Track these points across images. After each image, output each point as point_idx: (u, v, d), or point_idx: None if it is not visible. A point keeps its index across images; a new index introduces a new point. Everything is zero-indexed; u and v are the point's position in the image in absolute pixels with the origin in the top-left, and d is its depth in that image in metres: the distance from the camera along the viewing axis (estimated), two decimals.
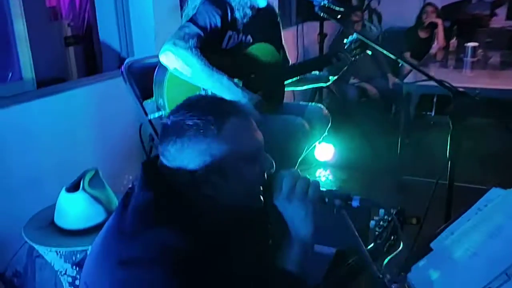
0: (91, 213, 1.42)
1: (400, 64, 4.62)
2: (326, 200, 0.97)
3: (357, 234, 0.83)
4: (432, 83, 3.29)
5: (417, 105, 4.69)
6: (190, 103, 0.95)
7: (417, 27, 4.71)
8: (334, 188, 1.02)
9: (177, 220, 0.88)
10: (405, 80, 3.36)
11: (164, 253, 0.83)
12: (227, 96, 1.72)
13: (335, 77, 2.05)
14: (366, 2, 5.31)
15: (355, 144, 3.84)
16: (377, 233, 1.14)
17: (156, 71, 1.80)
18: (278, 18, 2.10)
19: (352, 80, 4.24)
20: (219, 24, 1.74)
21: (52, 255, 1.39)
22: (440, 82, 1.66)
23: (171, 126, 0.93)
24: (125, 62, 2.00)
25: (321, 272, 1.90)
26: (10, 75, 2.09)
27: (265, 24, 1.99)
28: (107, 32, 2.58)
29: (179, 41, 1.65)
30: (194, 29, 1.69)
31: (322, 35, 3.81)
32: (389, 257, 0.93)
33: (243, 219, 1.01)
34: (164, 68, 1.74)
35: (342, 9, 1.74)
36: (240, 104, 0.98)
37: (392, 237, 1.23)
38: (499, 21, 5.38)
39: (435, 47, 4.44)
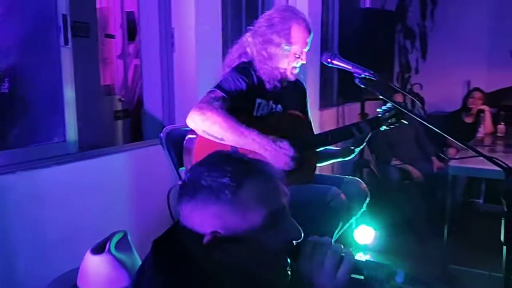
0: (114, 277, 1.36)
1: (444, 148, 4.53)
2: (365, 273, 0.87)
3: None
4: (480, 166, 3.17)
5: (464, 191, 4.51)
6: (209, 160, 0.89)
7: (461, 111, 4.66)
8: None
9: None
10: (451, 163, 3.24)
11: None
12: (261, 151, 1.69)
13: (359, 149, 2.00)
14: (408, 87, 5.35)
15: (397, 228, 3.65)
16: None
17: (186, 139, 1.81)
18: (307, 93, 2.12)
19: (393, 162, 4.13)
20: (244, 88, 1.76)
21: None
22: (490, 158, 1.56)
23: (187, 184, 0.87)
24: (164, 129, 2.03)
25: None
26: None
27: (295, 96, 2.01)
28: (152, 101, 2.68)
29: (205, 104, 1.67)
30: (219, 93, 1.71)
31: (363, 115, 3.83)
32: None
33: None
34: (193, 136, 1.75)
35: (378, 79, 1.72)
36: (265, 163, 0.90)
37: None
38: None
39: (481, 132, 4.33)
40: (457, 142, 1.71)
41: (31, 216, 1.76)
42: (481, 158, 1.95)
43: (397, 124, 2.05)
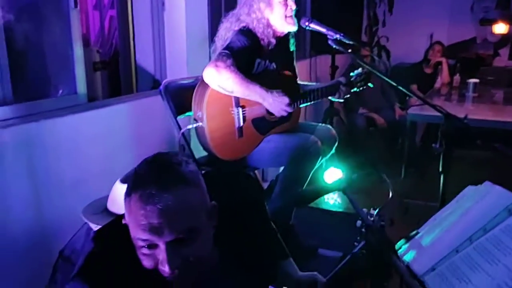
0: None
1: (407, 98, 4.94)
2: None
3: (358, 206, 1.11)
4: (434, 113, 3.58)
5: (423, 136, 4.98)
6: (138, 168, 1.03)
7: (423, 63, 5.04)
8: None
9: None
10: (410, 111, 3.66)
11: None
12: (261, 101, 2.05)
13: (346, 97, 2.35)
14: (375, 39, 5.67)
15: (362, 170, 4.08)
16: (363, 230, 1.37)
17: (197, 87, 2.11)
18: (294, 50, 2.40)
19: (361, 110, 4.50)
20: (248, 46, 2.05)
21: None
22: (433, 106, 1.93)
23: None
24: (163, 82, 2.32)
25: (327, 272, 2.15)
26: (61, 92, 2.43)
27: (285, 52, 2.30)
28: (143, 57, 2.93)
29: (220, 62, 1.96)
30: (229, 53, 2.00)
31: (333, 67, 4.15)
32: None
33: None
34: (206, 85, 2.04)
35: (352, 43, 2.04)
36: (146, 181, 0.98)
37: None
38: (501, 61, 5.71)
39: (439, 82, 4.74)
40: (411, 95, 2.06)
41: (51, 159, 2.07)
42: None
43: (365, 87, 2.40)
